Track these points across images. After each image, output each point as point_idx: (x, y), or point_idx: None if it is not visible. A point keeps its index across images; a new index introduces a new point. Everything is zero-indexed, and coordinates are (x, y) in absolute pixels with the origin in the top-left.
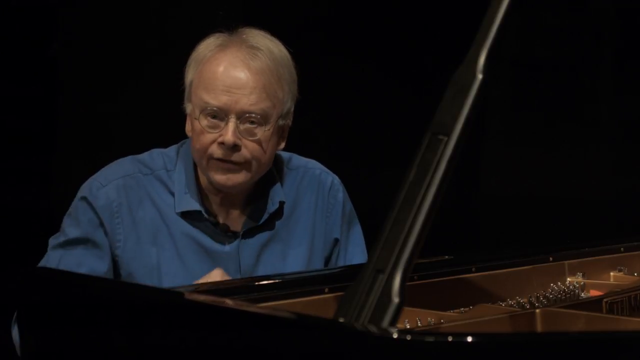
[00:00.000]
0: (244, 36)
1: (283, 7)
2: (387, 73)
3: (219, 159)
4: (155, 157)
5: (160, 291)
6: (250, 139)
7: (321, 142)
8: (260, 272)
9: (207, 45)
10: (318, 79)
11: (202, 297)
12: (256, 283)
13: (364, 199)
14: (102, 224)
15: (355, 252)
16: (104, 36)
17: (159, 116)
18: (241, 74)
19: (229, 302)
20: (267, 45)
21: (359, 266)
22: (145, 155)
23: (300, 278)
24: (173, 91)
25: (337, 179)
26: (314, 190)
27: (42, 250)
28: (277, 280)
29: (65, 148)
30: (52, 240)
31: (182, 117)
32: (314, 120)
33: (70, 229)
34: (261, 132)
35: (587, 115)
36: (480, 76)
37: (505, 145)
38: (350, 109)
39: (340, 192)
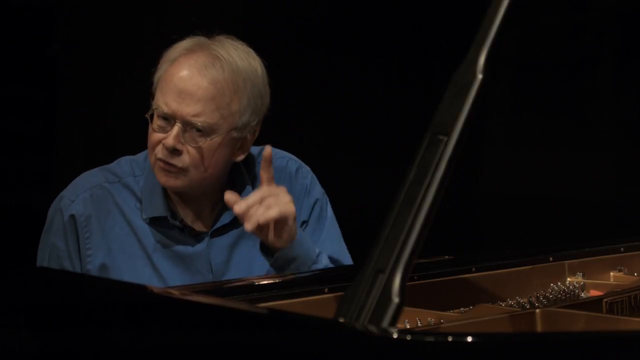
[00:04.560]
0: (213, 44)
1: (282, 6)
2: (387, 73)
3: (160, 160)
4: (123, 164)
5: (161, 291)
6: (193, 145)
7: (320, 142)
8: (232, 271)
9: (177, 47)
10: (318, 78)
11: (202, 298)
12: (256, 283)
13: (363, 198)
14: (70, 241)
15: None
16: (104, 36)
17: None
18: (194, 81)
19: (229, 302)
20: (232, 56)
21: (359, 266)
22: (112, 164)
23: (300, 278)
24: None
25: (305, 167)
26: (281, 180)
27: None
28: (277, 280)
29: (66, 148)
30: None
31: None
32: (314, 120)
33: (43, 249)
34: (204, 141)
35: (587, 115)
36: (480, 76)
37: (505, 145)
38: (351, 109)
39: (307, 178)
